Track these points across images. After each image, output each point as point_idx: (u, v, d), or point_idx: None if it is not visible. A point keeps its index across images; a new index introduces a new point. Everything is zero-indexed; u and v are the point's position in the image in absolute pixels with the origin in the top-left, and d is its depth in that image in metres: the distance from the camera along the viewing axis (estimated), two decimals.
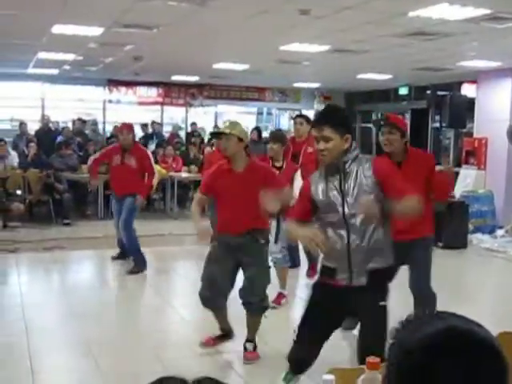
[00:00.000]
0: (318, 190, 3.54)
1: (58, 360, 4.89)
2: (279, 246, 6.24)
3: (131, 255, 7.71)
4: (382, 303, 3.44)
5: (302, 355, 3.77)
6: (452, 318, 1.04)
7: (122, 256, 8.04)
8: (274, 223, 6.15)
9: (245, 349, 4.84)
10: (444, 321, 1.02)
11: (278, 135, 6.49)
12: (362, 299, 3.43)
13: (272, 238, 5.94)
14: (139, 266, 7.54)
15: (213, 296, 4.69)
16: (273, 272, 5.66)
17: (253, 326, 4.84)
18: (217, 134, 5.18)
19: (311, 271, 7.19)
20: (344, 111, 3.84)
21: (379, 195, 3.38)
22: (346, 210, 3.43)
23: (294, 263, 7.39)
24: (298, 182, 5.77)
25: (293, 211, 3.85)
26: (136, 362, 4.74)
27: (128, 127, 7.76)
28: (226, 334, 5.03)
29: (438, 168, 4.90)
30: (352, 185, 3.42)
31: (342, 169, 3.45)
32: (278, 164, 6.24)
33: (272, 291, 6.31)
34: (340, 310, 3.59)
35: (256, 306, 4.69)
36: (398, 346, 1.02)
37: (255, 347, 4.85)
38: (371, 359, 1.46)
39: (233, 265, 4.70)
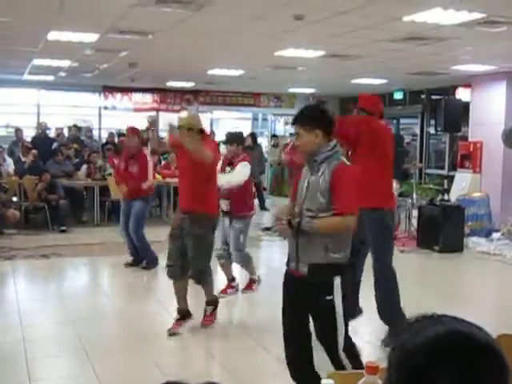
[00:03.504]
0: (300, 181, 3.78)
1: (56, 367, 4.88)
2: (234, 250, 6.56)
3: (142, 254, 8.06)
4: (328, 298, 3.53)
5: (291, 355, 3.82)
6: (453, 321, 1.04)
7: (135, 263, 8.15)
8: (227, 222, 6.54)
9: (204, 312, 5.61)
10: (445, 324, 1.03)
11: (233, 136, 6.73)
12: (305, 290, 3.61)
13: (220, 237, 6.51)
14: (150, 263, 7.99)
15: (173, 272, 5.43)
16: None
17: (204, 291, 5.58)
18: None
19: None
20: (314, 109, 3.91)
21: (330, 202, 3.54)
22: (304, 204, 3.64)
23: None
24: (241, 175, 6.41)
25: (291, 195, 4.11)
26: (133, 368, 4.73)
27: (132, 130, 8.09)
28: (184, 316, 5.57)
29: None
30: (314, 183, 3.60)
31: (314, 167, 3.64)
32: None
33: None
34: (296, 298, 3.72)
35: (192, 277, 5.43)
36: (399, 349, 1.03)
37: (214, 310, 5.60)
38: (370, 363, 1.47)
39: (181, 243, 5.39)
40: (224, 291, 6.77)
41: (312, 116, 3.72)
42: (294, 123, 3.78)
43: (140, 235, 7.97)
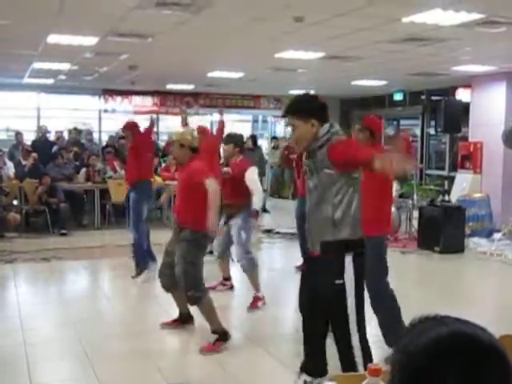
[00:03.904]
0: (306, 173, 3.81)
1: (57, 370, 4.87)
2: (241, 250, 6.45)
3: (135, 254, 7.84)
4: (337, 282, 3.52)
5: (309, 353, 3.84)
6: (456, 322, 1.04)
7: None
8: (225, 228, 6.52)
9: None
10: (448, 325, 1.02)
11: (230, 137, 6.81)
12: (318, 272, 3.63)
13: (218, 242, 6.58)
14: (139, 267, 7.70)
15: (166, 282, 5.41)
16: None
17: (204, 317, 5.25)
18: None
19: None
20: (306, 98, 3.85)
21: (336, 174, 3.54)
22: (310, 184, 3.69)
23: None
24: (253, 178, 6.45)
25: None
26: (134, 372, 4.72)
27: (124, 127, 8.05)
28: (184, 319, 5.68)
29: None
30: (316, 165, 3.62)
31: (314, 153, 3.64)
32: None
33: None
34: (309, 277, 3.77)
35: (188, 297, 5.18)
36: (402, 351, 1.02)
37: (217, 340, 5.16)
38: (373, 366, 1.46)
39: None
40: (213, 287, 6.76)
41: (307, 105, 3.69)
42: (286, 114, 3.72)
43: (139, 233, 7.77)
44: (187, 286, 5.10)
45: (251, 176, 6.46)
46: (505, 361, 0.99)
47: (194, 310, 5.59)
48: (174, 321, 5.75)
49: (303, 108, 3.66)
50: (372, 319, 5.38)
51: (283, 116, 3.79)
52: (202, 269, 5.25)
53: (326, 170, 3.54)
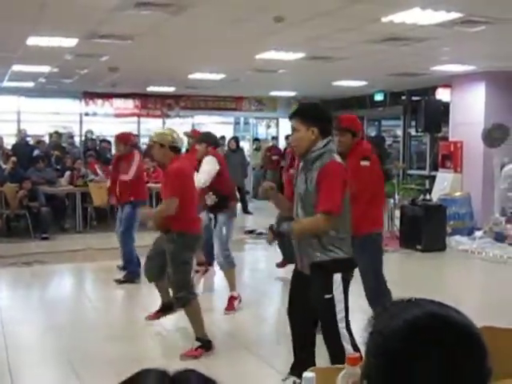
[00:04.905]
0: (297, 180, 3.82)
1: (39, 375, 4.83)
2: (218, 247, 6.43)
3: (125, 264, 7.77)
4: (326, 296, 3.61)
5: (299, 358, 3.90)
6: (430, 304, 1.04)
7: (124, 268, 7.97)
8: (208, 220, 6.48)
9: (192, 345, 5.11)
10: (422, 307, 1.02)
11: (203, 137, 6.76)
12: (308, 288, 3.70)
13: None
14: (128, 276, 7.58)
15: (151, 272, 5.44)
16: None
17: (190, 320, 5.13)
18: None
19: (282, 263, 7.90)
20: (314, 106, 4.02)
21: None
22: (299, 201, 3.74)
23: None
24: (207, 167, 6.37)
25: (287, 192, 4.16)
26: (118, 376, 4.63)
27: (118, 138, 7.92)
28: (166, 308, 5.66)
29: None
30: (308, 180, 3.65)
31: (307, 165, 3.69)
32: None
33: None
34: (301, 294, 3.83)
35: (177, 299, 5.06)
36: (375, 334, 1.02)
37: (199, 346, 5.06)
38: (351, 355, 1.47)
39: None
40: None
41: (311, 112, 3.78)
42: (292, 117, 3.78)
43: (128, 244, 7.68)
44: (178, 287, 5.01)
45: (207, 159, 6.42)
46: (479, 342, 0.99)
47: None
48: (157, 312, 5.77)
49: (307, 114, 3.74)
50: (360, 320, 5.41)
51: (289, 118, 3.85)
52: (190, 270, 5.21)
53: (315, 192, 3.60)
